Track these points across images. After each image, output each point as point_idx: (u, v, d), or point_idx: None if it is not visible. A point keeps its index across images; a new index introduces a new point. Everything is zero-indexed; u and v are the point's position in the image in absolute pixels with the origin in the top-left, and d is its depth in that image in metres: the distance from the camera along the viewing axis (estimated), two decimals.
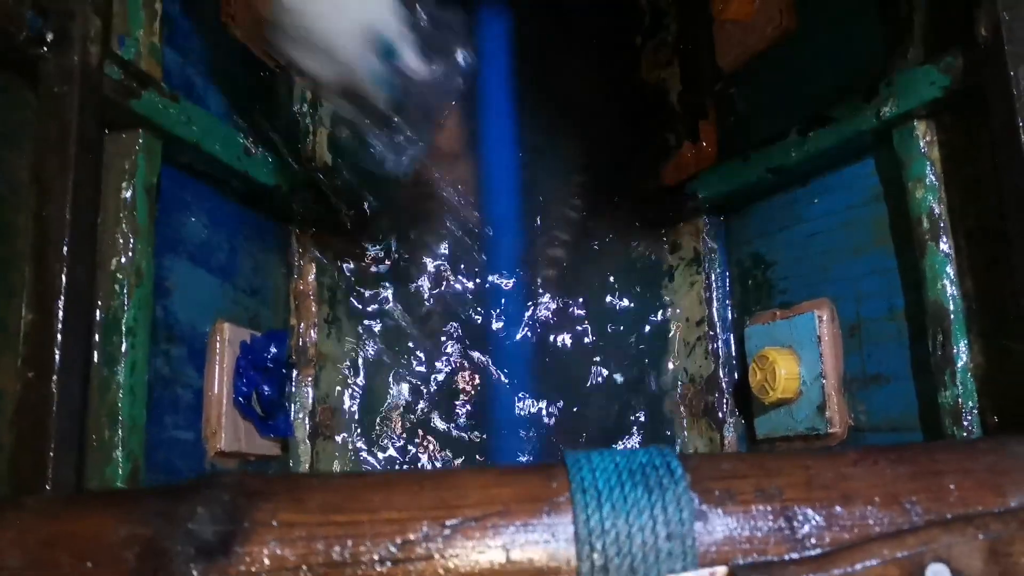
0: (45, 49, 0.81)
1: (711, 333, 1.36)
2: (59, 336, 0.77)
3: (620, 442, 1.40)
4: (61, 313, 0.77)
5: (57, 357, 0.76)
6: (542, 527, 0.45)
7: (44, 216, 0.79)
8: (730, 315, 1.36)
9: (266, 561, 0.45)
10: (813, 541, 0.44)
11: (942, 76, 0.92)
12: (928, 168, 0.96)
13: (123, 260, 0.92)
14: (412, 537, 0.45)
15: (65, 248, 0.78)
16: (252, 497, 0.46)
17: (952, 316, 0.93)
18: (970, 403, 0.91)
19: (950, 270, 0.94)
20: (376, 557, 0.45)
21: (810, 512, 0.45)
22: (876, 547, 0.42)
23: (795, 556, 0.44)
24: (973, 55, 0.88)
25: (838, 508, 0.45)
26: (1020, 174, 0.81)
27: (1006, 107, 0.82)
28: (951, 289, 0.94)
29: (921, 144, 0.97)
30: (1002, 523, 0.42)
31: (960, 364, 0.92)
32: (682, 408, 1.39)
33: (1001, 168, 0.84)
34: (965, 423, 0.91)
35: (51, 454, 0.75)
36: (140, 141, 0.95)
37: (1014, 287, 0.85)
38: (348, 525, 0.45)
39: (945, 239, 0.95)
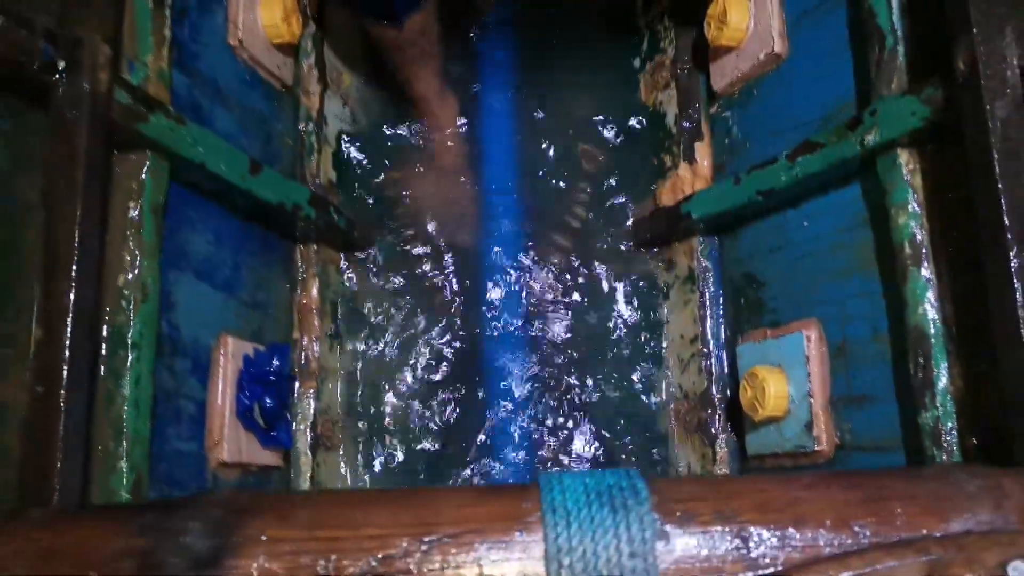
0: (56, 76, 0.85)
1: (704, 350, 1.39)
2: (67, 353, 0.80)
3: (614, 456, 1.43)
4: (69, 331, 0.81)
5: (65, 373, 0.80)
6: (514, 545, 0.48)
7: (53, 237, 0.82)
8: (723, 333, 1.39)
9: (255, 574, 0.48)
10: (767, 560, 0.47)
11: (923, 107, 0.94)
12: (911, 196, 0.99)
13: (130, 277, 0.96)
14: (392, 552, 0.48)
15: (73, 268, 0.82)
16: (241, 514, 0.49)
17: (932, 340, 0.96)
18: (949, 424, 0.94)
19: (931, 295, 0.97)
20: (358, 571, 0.48)
21: (765, 533, 0.47)
22: (824, 567, 0.45)
23: (750, 575, 0.46)
24: (952, 87, 0.90)
25: (791, 530, 0.47)
26: (994, 206, 0.83)
27: (982, 140, 0.85)
28: (932, 314, 0.96)
29: (904, 172, 0.99)
30: (942, 547, 0.44)
31: (940, 387, 0.95)
32: (675, 424, 1.42)
33: (977, 200, 0.86)
34: (944, 444, 0.93)
35: (58, 466, 0.78)
36: (148, 162, 0.98)
37: (989, 313, 0.87)
38: (332, 540, 0.48)
39: (927, 265, 0.97)
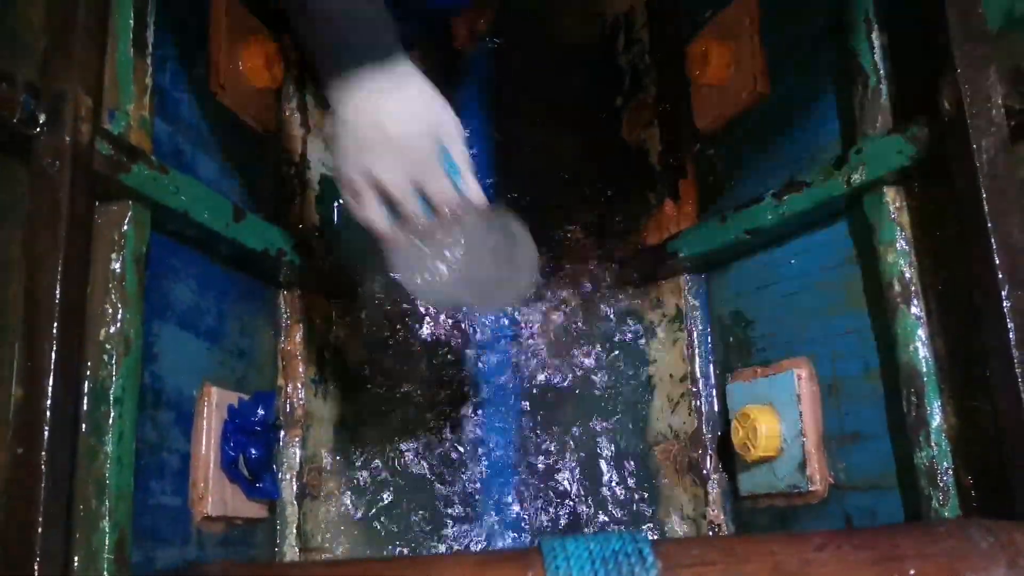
0: (38, 130, 0.84)
1: (694, 390, 1.38)
2: (48, 413, 0.78)
3: (605, 499, 1.41)
4: (50, 390, 0.78)
5: (46, 433, 0.78)
6: None
7: (34, 293, 0.81)
8: (712, 372, 1.38)
9: None
10: None
11: (908, 145, 0.95)
12: (898, 233, 0.99)
13: (111, 330, 0.93)
14: None
15: (55, 326, 0.80)
16: None
17: (925, 378, 0.95)
18: (944, 464, 0.93)
19: (922, 333, 0.96)
20: None
21: None
22: None
23: None
24: (937, 126, 0.91)
25: None
26: (985, 243, 0.84)
27: (969, 178, 0.85)
28: (923, 351, 0.96)
29: (891, 210, 1.00)
30: None
31: (934, 425, 0.94)
32: (667, 464, 1.40)
33: (967, 237, 0.87)
34: (940, 483, 0.93)
35: (39, 529, 0.76)
36: (130, 212, 0.96)
37: (983, 349, 0.87)
38: None
39: (916, 302, 0.97)
